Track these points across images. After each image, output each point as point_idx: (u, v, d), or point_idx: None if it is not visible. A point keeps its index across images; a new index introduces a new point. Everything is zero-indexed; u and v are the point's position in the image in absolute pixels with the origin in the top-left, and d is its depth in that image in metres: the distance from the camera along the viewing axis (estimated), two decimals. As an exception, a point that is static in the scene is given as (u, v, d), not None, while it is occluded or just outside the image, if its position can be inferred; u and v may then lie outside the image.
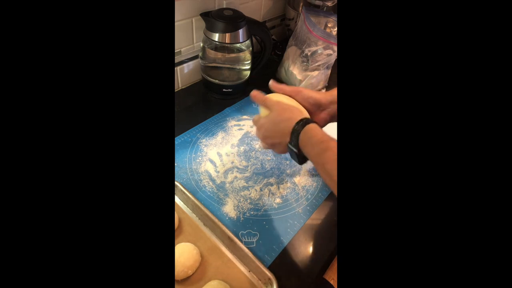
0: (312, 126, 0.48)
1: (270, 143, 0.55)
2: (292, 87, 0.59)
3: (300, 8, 1.00)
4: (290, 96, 0.58)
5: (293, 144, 0.50)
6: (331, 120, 0.60)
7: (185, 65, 0.86)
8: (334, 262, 0.59)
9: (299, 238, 0.58)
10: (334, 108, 0.58)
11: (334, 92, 0.59)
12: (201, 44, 0.82)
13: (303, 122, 0.49)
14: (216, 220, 0.55)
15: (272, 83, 0.61)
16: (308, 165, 0.72)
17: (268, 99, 0.57)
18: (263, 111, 0.58)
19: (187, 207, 0.59)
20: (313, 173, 0.70)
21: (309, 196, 0.65)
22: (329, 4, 0.98)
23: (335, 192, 0.41)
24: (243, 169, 0.69)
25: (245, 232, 0.57)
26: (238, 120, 0.81)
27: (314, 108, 0.58)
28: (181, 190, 0.59)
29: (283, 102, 0.55)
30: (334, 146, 0.44)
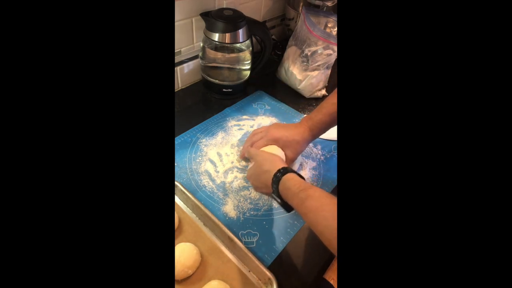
0: (289, 176, 0.49)
1: (260, 192, 0.58)
2: (269, 140, 0.62)
3: (300, 8, 1.00)
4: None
5: (276, 195, 0.50)
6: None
7: (185, 65, 0.86)
8: (334, 262, 0.59)
9: (299, 238, 0.58)
10: (317, 135, 0.64)
11: (316, 124, 0.62)
12: (201, 44, 0.82)
13: (281, 173, 0.50)
14: (216, 220, 0.55)
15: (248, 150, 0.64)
16: (308, 165, 0.72)
17: (249, 150, 0.61)
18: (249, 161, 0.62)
19: (187, 207, 0.59)
20: (313, 173, 0.70)
21: (309, 196, 0.65)
22: (329, 4, 0.98)
23: (321, 239, 0.41)
24: (243, 169, 0.69)
25: (245, 232, 0.57)
26: (238, 120, 0.81)
27: (297, 145, 0.62)
28: (181, 190, 0.59)
29: (264, 152, 0.59)
30: (313, 194, 0.44)
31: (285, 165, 0.52)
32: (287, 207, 0.50)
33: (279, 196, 0.50)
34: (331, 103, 0.61)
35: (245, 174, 0.67)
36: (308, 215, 0.43)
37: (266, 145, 0.62)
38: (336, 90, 0.63)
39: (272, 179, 0.50)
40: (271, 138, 0.62)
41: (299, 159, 0.71)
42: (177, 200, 0.60)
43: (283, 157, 0.61)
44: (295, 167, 0.69)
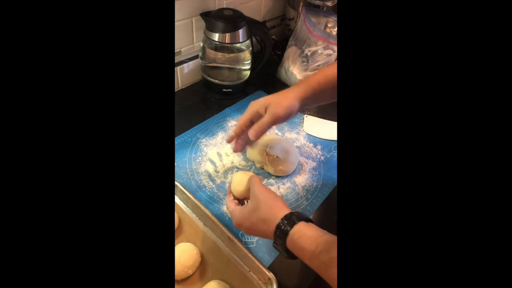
0: (300, 229, 0.38)
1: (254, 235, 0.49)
2: (272, 118, 0.53)
3: (300, 8, 1.00)
4: (272, 124, 0.53)
5: (282, 249, 0.41)
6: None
7: (185, 65, 0.86)
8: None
9: (299, 238, 0.58)
10: (305, 106, 0.57)
11: (306, 93, 0.55)
12: (201, 44, 0.82)
13: (286, 225, 0.39)
14: (216, 220, 0.55)
15: (250, 133, 0.55)
16: (308, 165, 0.72)
17: (250, 180, 0.49)
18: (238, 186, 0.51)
19: (187, 207, 0.59)
20: (313, 173, 0.70)
21: (309, 196, 0.65)
22: (329, 4, 0.98)
23: None
24: (243, 169, 0.68)
25: (245, 232, 0.57)
26: (238, 120, 0.81)
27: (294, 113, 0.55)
28: (181, 190, 0.59)
29: (263, 191, 0.45)
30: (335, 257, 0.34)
31: (288, 209, 0.42)
32: (290, 258, 0.41)
33: (286, 251, 0.40)
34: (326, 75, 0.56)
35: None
36: (335, 283, 0.34)
37: (271, 122, 0.53)
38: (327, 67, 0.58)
39: (275, 232, 0.40)
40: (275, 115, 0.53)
41: (300, 159, 0.71)
42: (177, 200, 0.60)
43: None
44: (293, 166, 0.68)
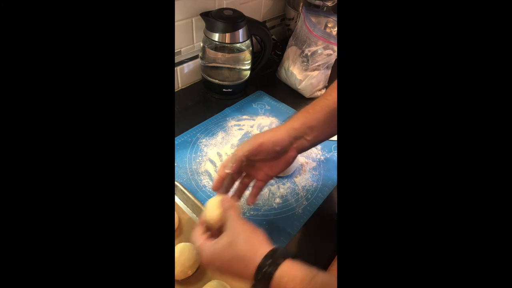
0: (287, 270, 0.31)
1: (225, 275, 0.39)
2: (250, 146, 0.45)
3: (300, 8, 1.00)
4: (252, 154, 0.45)
5: None
6: (299, 153, 0.49)
7: (185, 65, 0.86)
8: (334, 262, 0.59)
9: (299, 238, 0.58)
10: (301, 142, 0.47)
11: (295, 124, 0.46)
12: (201, 44, 0.82)
13: (270, 265, 0.32)
14: (216, 220, 0.54)
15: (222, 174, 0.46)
16: (308, 165, 0.72)
17: (225, 210, 0.40)
18: (211, 212, 0.42)
19: (187, 207, 0.59)
20: (313, 173, 0.70)
21: (309, 196, 0.65)
22: (329, 4, 0.98)
23: None
24: (243, 169, 0.68)
25: (245, 232, 0.57)
26: (238, 120, 0.81)
27: (282, 152, 0.46)
28: (181, 190, 0.59)
29: (239, 221, 0.38)
30: None
31: (270, 245, 0.35)
32: None
33: None
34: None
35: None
36: None
37: (249, 150, 0.45)
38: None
39: (256, 275, 0.32)
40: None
41: (300, 159, 0.71)
42: (177, 200, 0.60)
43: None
44: (294, 166, 0.68)
